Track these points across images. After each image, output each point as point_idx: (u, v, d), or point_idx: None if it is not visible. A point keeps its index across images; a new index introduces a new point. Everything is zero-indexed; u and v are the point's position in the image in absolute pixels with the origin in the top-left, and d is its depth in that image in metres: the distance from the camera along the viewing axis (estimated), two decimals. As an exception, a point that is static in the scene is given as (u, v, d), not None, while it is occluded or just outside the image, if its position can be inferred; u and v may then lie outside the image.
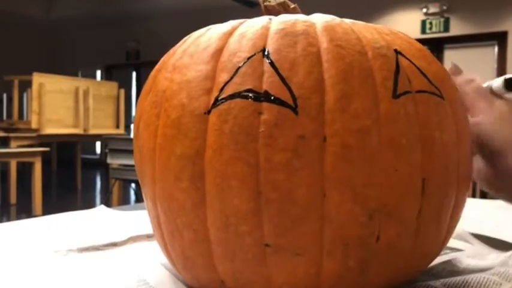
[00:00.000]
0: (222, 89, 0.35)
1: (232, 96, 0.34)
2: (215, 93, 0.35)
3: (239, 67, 0.35)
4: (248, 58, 0.35)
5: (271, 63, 0.34)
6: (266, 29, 0.37)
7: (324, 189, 0.32)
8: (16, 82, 4.93)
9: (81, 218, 0.73)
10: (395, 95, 0.34)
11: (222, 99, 0.34)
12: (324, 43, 0.35)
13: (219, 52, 0.37)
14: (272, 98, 0.33)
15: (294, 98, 0.33)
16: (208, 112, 0.35)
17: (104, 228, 0.66)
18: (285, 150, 0.32)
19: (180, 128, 0.36)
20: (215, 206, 0.34)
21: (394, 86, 0.35)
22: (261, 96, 0.33)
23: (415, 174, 0.34)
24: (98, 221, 0.71)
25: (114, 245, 0.58)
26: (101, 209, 0.79)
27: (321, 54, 0.35)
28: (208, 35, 0.39)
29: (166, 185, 0.37)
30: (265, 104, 0.33)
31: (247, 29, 0.38)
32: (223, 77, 0.35)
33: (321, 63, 0.34)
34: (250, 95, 0.34)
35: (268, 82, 0.34)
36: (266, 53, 0.35)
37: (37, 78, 4.80)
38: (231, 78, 0.35)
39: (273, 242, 0.33)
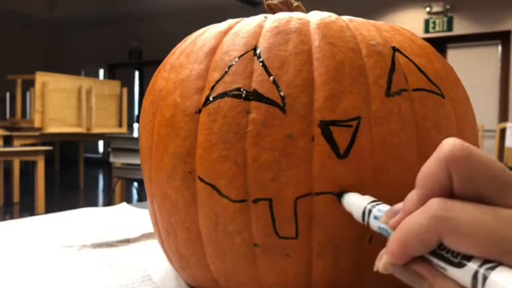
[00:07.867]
0: (212, 88, 0.34)
1: (222, 95, 0.34)
2: (206, 92, 0.35)
3: (230, 66, 0.34)
4: (239, 57, 0.35)
5: (262, 62, 0.34)
6: (260, 27, 0.37)
7: (312, 190, 0.32)
8: (19, 81, 4.93)
9: (101, 215, 0.75)
10: (389, 93, 0.33)
11: (213, 98, 0.34)
12: (316, 41, 0.34)
13: (213, 51, 0.37)
14: (261, 96, 0.32)
15: (282, 97, 0.32)
16: (199, 111, 0.34)
17: (121, 225, 0.67)
18: (272, 149, 0.32)
19: (173, 127, 0.36)
20: (205, 205, 0.34)
21: (388, 84, 0.33)
22: (250, 95, 0.33)
23: (410, 175, 0.33)
24: (117, 218, 0.73)
25: (127, 241, 0.59)
26: (122, 207, 0.81)
27: (312, 52, 0.34)
28: (206, 34, 0.39)
29: (161, 183, 0.37)
30: (254, 103, 0.33)
31: (241, 28, 0.37)
32: (214, 76, 0.35)
33: (312, 62, 0.33)
34: (240, 93, 0.33)
35: (258, 81, 0.33)
36: (257, 52, 0.34)
37: (40, 77, 4.78)
38: (222, 77, 0.34)
39: (262, 242, 0.33)
